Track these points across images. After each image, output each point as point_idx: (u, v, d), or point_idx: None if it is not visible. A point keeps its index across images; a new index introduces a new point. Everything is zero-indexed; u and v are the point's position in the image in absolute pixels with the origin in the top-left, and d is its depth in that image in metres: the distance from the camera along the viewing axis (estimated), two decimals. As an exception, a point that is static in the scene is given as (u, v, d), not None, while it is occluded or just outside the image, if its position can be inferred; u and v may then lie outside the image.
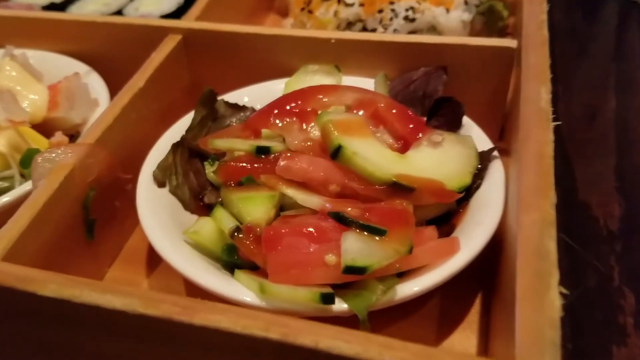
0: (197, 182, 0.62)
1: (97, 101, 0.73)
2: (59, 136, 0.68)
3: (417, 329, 0.56)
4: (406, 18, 0.83)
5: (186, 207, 0.60)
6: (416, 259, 0.49)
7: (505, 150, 0.60)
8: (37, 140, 0.68)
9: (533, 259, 0.39)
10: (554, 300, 0.36)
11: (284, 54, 0.73)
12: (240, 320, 0.38)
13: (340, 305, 0.46)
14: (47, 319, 0.45)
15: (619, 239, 0.66)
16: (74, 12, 0.90)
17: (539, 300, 0.36)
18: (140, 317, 0.39)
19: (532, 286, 0.37)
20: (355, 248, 0.46)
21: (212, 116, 0.68)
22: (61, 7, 0.92)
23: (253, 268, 0.51)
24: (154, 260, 0.64)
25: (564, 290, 0.37)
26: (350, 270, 0.46)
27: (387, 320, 0.55)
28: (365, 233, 0.47)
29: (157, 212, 0.57)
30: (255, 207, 0.53)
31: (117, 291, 0.40)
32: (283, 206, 0.55)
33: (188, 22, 0.77)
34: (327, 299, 0.46)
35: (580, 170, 0.75)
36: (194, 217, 0.59)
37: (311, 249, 0.48)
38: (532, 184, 0.44)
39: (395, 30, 0.83)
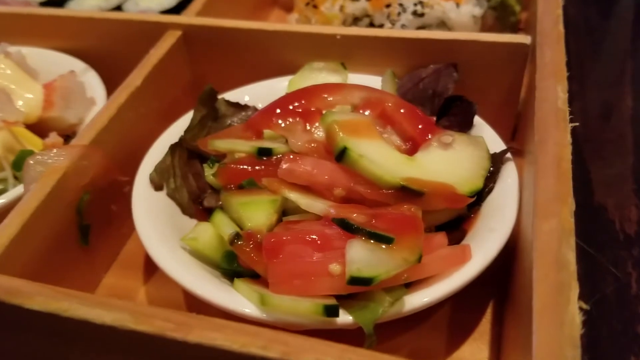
0: (196, 185, 0.60)
1: (93, 100, 0.72)
2: (53, 137, 0.66)
3: (425, 339, 0.54)
4: (415, 13, 0.81)
5: (184, 211, 0.59)
6: (426, 268, 0.47)
7: (518, 151, 0.58)
8: (32, 141, 0.66)
9: (551, 270, 0.37)
10: (574, 316, 0.35)
11: (287, 51, 0.71)
12: (237, 338, 0.36)
13: (345, 318, 0.44)
14: (35, 332, 0.43)
15: (636, 244, 0.64)
16: (73, 8, 0.88)
17: (558, 315, 0.35)
18: (131, 333, 0.37)
19: (550, 300, 0.36)
20: (361, 257, 0.44)
21: (212, 116, 0.65)
22: (59, 3, 0.90)
23: (254, 276, 0.49)
24: (152, 266, 0.61)
25: (584, 305, 0.35)
26: (355, 281, 0.44)
27: (394, 330, 0.53)
28: (372, 241, 0.45)
29: (153, 216, 0.55)
30: (257, 212, 0.51)
31: (107, 305, 0.38)
32: (285, 211, 0.53)
33: (188, 17, 0.75)
34: (331, 311, 0.44)
35: (596, 171, 0.73)
36: (193, 221, 0.58)
37: (314, 258, 0.46)
38: (549, 188, 0.43)
39: (403, 26, 0.82)
